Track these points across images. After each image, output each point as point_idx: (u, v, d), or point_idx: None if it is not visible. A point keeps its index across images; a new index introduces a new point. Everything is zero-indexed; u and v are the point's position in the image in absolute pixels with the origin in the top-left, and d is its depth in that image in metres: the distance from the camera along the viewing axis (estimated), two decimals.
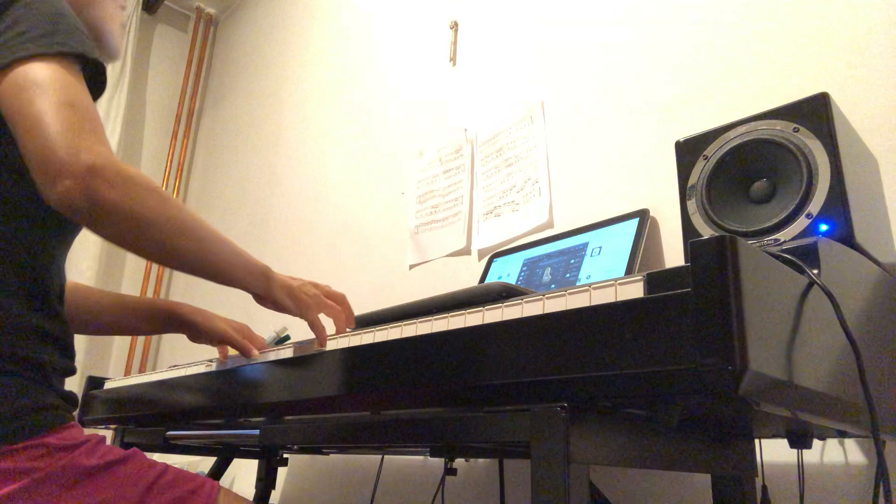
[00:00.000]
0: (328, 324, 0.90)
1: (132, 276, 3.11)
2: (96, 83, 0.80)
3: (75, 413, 0.82)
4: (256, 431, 0.98)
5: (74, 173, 0.67)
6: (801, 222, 0.78)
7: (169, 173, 3.25)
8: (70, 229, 0.88)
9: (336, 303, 0.92)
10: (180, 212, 0.75)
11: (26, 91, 0.70)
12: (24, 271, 0.79)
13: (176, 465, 0.83)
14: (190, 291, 2.96)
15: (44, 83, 0.71)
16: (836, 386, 0.60)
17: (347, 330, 0.87)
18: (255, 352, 0.95)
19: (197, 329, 1.07)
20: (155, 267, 3.13)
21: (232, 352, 1.05)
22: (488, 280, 1.40)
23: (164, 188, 0.75)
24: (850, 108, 1.01)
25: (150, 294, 3.10)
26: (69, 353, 0.84)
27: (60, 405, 0.77)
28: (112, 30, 0.97)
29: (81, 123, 0.70)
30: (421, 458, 1.63)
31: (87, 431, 0.79)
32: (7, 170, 0.78)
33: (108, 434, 1.35)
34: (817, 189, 0.78)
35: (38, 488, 0.69)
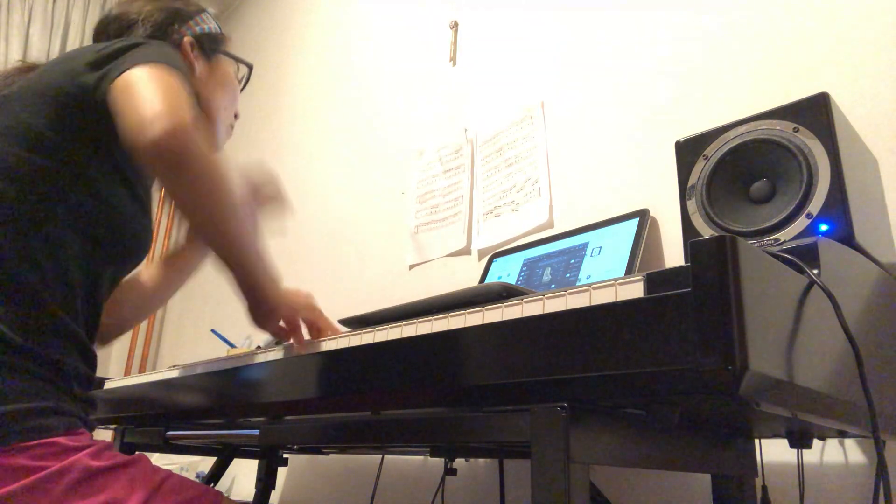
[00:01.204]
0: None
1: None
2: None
3: (93, 418, 0.84)
4: (256, 431, 0.98)
5: (171, 122, 0.73)
6: (801, 222, 0.78)
7: None
8: (126, 258, 0.94)
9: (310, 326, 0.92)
10: (240, 202, 0.81)
11: (132, 81, 0.78)
12: (73, 281, 0.83)
13: (176, 465, 0.83)
14: (186, 314, 2.96)
15: (146, 74, 0.79)
16: (836, 386, 0.60)
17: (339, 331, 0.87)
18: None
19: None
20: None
21: (235, 351, 1.06)
22: (488, 280, 1.40)
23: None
24: (850, 108, 1.01)
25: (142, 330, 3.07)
26: (93, 364, 0.87)
27: (75, 411, 0.79)
28: (221, 123, 1.09)
29: (179, 96, 0.77)
30: (421, 458, 1.63)
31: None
32: (84, 186, 0.84)
33: (108, 434, 1.35)
34: (817, 189, 0.78)
35: (45, 486, 0.70)
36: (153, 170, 0.77)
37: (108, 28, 1.03)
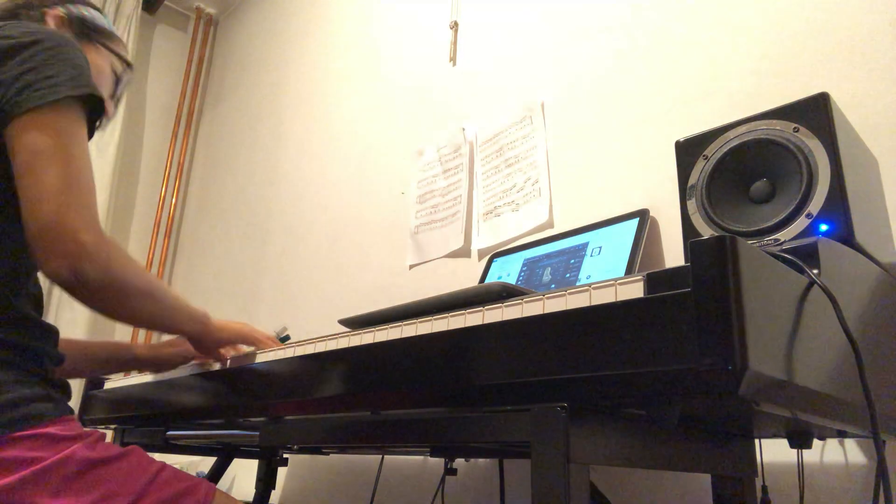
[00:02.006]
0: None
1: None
2: (95, 117, 0.87)
3: (70, 405, 0.85)
4: (256, 431, 0.98)
5: (65, 254, 0.74)
6: (801, 222, 0.78)
7: (169, 173, 3.25)
8: None
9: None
10: (150, 282, 0.85)
11: (36, 155, 0.76)
12: (20, 272, 0.84)
13: (176, 465, 0.83)
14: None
15: (51, 147, 0.77)
16: (836, 386, 0.60)
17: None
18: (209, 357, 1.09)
19: (154, 364, 1.16)
20: None
21: (240, 350, 1.08)
22: (488, 280, 1.40)
23: (131, 255, 0.85)
24: (850, 108, 1.01)
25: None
26: (57, 342, 0.88)
27: (58, 397, 0.80)
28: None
29: (78, 201, 0.76)
30: (421, 458, 1.63)
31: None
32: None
33: (108, 434, 1.35)
34: (817, 189, 0.78)
35: (39, 478, 0.70)
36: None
37: None
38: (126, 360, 1.15)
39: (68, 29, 1.00)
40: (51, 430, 0.74)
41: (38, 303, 0.89)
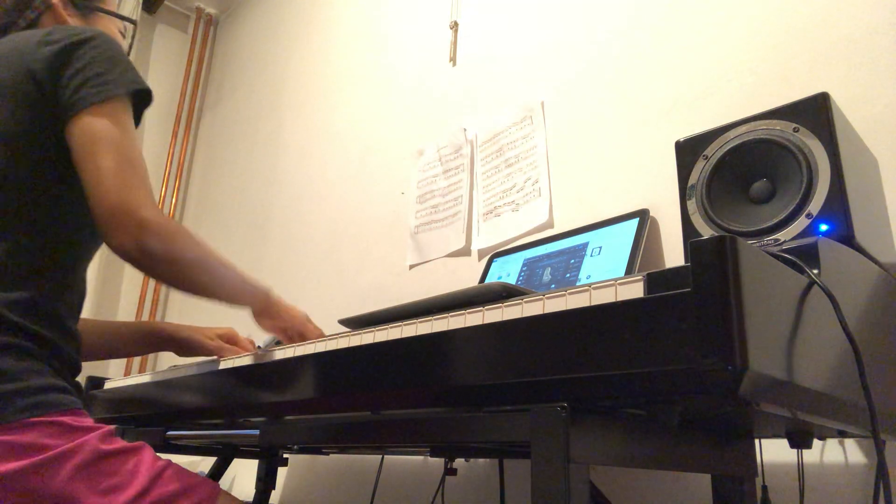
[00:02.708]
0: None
1: (128, 295, 3.12)
2: (143, 104, 0.95)
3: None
4: (256, 431, 0.98)
5: (129, 230, 0.81)
6: (801, 222, 0.78)
7: (169, 173, 3.25)
8: (95, 240, 0.98)
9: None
10: (207, 255, 0.90)
11: (96, 144, 0.84)
12: (62, 268, 0.89)
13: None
14: (186, 310, 2.96)
15: (110, 138, 0.85)
16: (836, 386, 0.60)
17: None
18: (225, 352, 1.12)
19: (180, 345, 1.19)
20: (150, 290, 3.14)
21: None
22: (488, 280, 1.40)
23: (191, 230, 0.91)
24: (850, 108, 1.01)
25: (146, 312, 3.12)
26: (80, 351, 0.91)
27: (74, 393, 0.83)
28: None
29: (135, 181, 0.84)
30: (421, 458, 1.63)
31: None
32: (69, 179, 0.89)
33: None
34: (817, 189, 0.78)
35: (51, 464, 0.72)
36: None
37: None
38: (155, 339, 1.20)
39: (72, 9, 1.04)
40: (66, 419, 0.76)
41: (75, 308, 0.92)
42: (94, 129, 0.85)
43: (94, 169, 0.83)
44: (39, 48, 0.88)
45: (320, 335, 1.07)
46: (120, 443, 0.79)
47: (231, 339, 1.23)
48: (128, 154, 0.85)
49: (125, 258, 0.82)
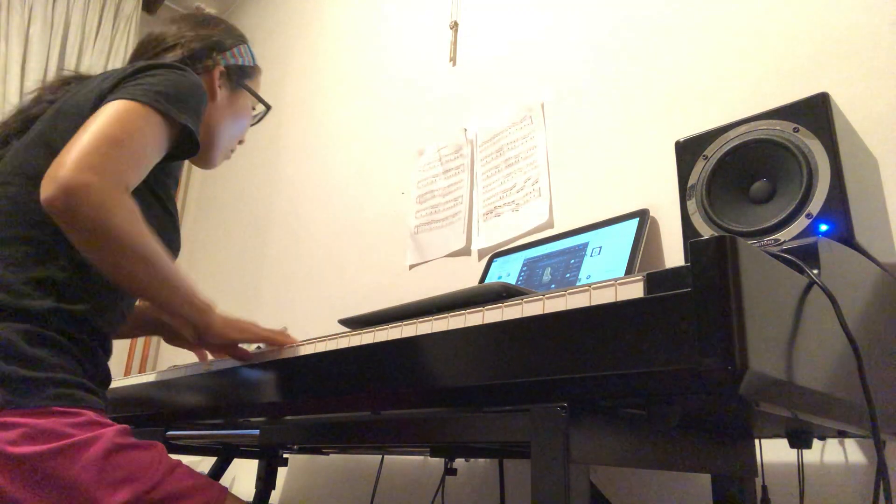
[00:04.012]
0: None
1: None
2: (184, 148, 0.92)
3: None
4: (256, 431, 0.98)
5: (67, 185, 0.75)
6: (801, 222, 0.78)
7: None
8: None
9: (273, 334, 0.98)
10: (151, 249, 0.83)
11: (98, 116, 0.82)
12: (108, 288, 0.90)
13: None
14: None
15: (113, 115, 0.82)
16: (836, 386, 0.60)
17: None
18: (205, 357, 1.11)
19: (170, 330, 1.18)
20: None
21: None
22: (488, 280, 1.40)
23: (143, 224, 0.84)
24: (850, 108, 1.01)
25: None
26: (108, 368, 0.93)
27: (101, 398, 0.85)
28: (221, 148, 1.14)
29: (112, 154, 0.79)
30: (421, 458, 1.63)
31: None
32: None
33: None
34: (817, 189, 0.78)
35: (68, 452, 0.74)
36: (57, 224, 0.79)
37: (146, 51, 1.08)
38: (147, 321, 1.19)
39: (226, 80, 1.11)
40: (89, 413, 0.78)
41: (115, 328, 0.94)
42: (112, 106, 0.83)
43: (81, 131, 0.80)
44: (121, 72, 0.90)
45: (283, 334, 0.98)
46: (135, 440, 0.81)
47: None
48: (123, 134, 0.81)
49: (52, 213, 0.76)
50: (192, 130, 0.90)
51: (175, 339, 1.20)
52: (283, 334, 0.96)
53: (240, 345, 0.98)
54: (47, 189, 0.75)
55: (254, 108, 1.20)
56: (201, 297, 0.92)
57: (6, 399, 0.74)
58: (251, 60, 1.17)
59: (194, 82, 0.93)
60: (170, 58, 1.05)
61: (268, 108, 1.21)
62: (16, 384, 0.75)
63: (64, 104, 0.93)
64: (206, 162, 1.15)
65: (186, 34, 1.08)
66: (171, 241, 1.00)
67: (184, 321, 0.92)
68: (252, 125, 1.21)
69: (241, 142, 1.20)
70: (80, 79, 1.02)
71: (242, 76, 1.14)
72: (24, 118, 0.98)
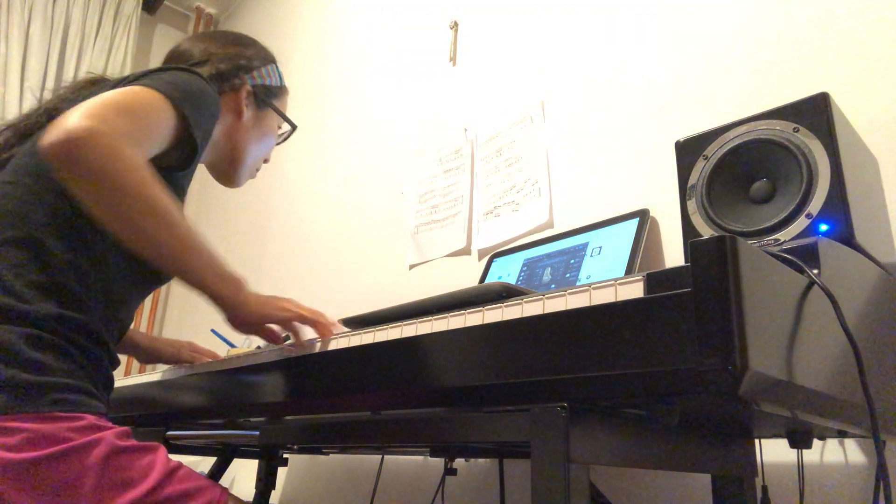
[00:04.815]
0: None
1: None
2: (187, 146, 0.88)
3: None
4: (256, 431, 0.98)
5: (70, 129, 0.72)
6: (801, 222, 0.78)
7: None
8: (158, 280, 0.99)
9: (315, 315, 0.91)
10: (170, 207, 0.77)
11: (113, 91, 0.80)
12: (110, 298, 0.89)
13: None
14: (186, 314, 2.96)
15: (129, 90, 0.81)
16: (836, 386, 0.60)
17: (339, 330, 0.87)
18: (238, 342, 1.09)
19: (140, 352, 1.19)
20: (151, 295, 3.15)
21: (236, 351, 1.08)
22: (488, 280, 1.40)
23: (158, 179, 0.79)
24: (850, 108, 1.01)
25: (146, 310, 3.12)
26: (112, 376, 0.93)
27: (104, 403, 0.85)
28: (246, 167, 1.15)
29: (120, 115, 0.76)
30: (421, 458, 1.63)
31: None
32: None
33: None
34: (817, 189, 0.78)
35: (68, 455, 0.74)
36: (55, 175, 0.76)
37: (174, 61, 1.07)
38: (126, 346, 1.18)
39: (253, 100, 1.10)
40: (89, 417, 0.78)
41: (117, 336, 0.94)
42: (125, 89, 0.81)
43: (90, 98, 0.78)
44: (136, 75, 0.89)
45: (322, 316, 0.88)
46: (135, 441, 0.81)
47: (193, 349, 1.24)
48: (135, 104, 0.79)
49: (48, 157, 0.72)
50: (191, 124, 0.86)
51: (146, 357, 1.20)
52: (324, 317, 0.87)
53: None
54: (49, 136, 0.72)
55: (279, 127, 1.20)
56: (230, 269, 0.83)
57: (7, 404, 0.73)
58: (279, 81, 1.17)
59: (205, 88, 0.92)
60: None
61: (294, 127, 1.21)
62: (16, 389, 0.74)
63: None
64: (231, 181, 1.16)
65: (215, 52, 1.07)
66: None
67: (212, 296, 0.82)
68: (277, 144, 1.22)
69: (266, 160, 1.20)
70: (104, 81, 1.01)
71: (269, 96, 1.14)
72: (48, 116, 0.96)
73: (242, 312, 0.84)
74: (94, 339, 0.85)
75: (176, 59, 1.08)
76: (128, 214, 0.75)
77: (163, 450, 0.83)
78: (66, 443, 0.74)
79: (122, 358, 3.03)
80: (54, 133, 0.72)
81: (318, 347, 0.80)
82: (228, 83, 1.07)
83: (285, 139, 1.23)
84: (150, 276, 0.97)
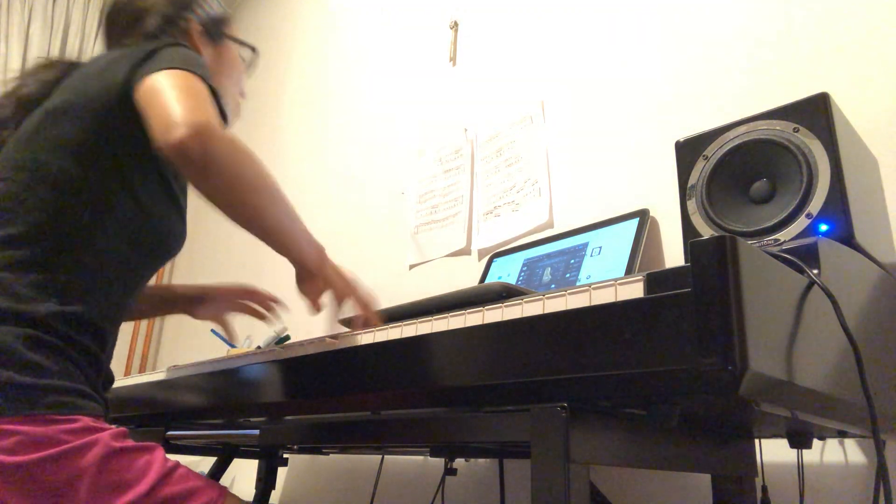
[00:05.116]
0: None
1: None
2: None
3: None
4: (256, 431, 0.98)
5: (193, 124, 0.76)
6: (801, 222, 0.78)
7: None
8: (162, 261, 0.98)
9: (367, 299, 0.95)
10: (272, 180, 0.84)
11: (157, 82, 0.82)
12: (113, 288, 0.88)
13: None
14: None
15: (171, 77, 0.82)
16: (836, 386, 0.60)
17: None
18: (238, 342, 1.08)
19: (192, 305, 1.18)
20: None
21: (236, 351, 1.07)
22: (488, 280, 1.40)
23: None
24: (850, 108, 1.01)
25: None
26: (109, 369, 0.92)
27: (101, 402, 0.84)
28: (228, 107, 1.08)
29: (200, 98, 0.80)
30: (421, 458, 1.63)
31: None
32: (129, 196, 0.89)
33: None
34: (817, 189, 0.78)
35: (63, 458, 0.73)
36: (183, 172, 0.79)
37: (117, 18, 1.05)
38: (169, 300, 1.19)
39: (206, 37, 1.08)
40: (85, 420, 0.77)
41: (118, 326, 0.93)
42: (159, 78, 0.82)
43: (155, 94, 0.80)
44: (128, 59, 0.89)
45: (368, 305, 0.92)
46: (132, 442, 0.80)
47: (250, 295, 1.22)
48: (195, 87, 0.81)
49: (183, 160, 0.76)
50: (217, 92, 0.88)
51: (199, 310, 1.19)
52: (371, 308, 0.91)
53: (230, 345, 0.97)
54: (174, 134, 0.75)
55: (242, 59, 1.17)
56: (315, 239, 0.91)
57: (1, 407, 0.72)
58: (220, 6, 1.13)
59: (202, 58, 0.92)
60: (146, 27, 1.02)
61: (254, 50, 1.19)
62: (12, 391, 0.73)
63: (71, 95, 0.91)
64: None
65: None
66: (178, 233, 0.99)
67: (299, 261, 0.88)
68: (246, 74, 1.19)
69: (242, 96, 1.18)
70: (62, 63, 1.00)
71: (220, 27, 1.11)
72: (17, 103, 0.96)
73: (323, 269, 0.89)
74: (95, 333, 0.84)
75: (121, 15, 1.05)
76: (253, 199, 0.81)
77: (160, 450, 0.82)
78: (61, 445, 0.73)
79: (122, 359, 3.03)
80: (180, 131, 0.75)
81: (318, 347, 0.80)
82: (177, 27, 1.04)
83: (251, 66, 1.20)
84: (156, 258, 0.96)
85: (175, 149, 0.75)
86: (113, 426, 0.81)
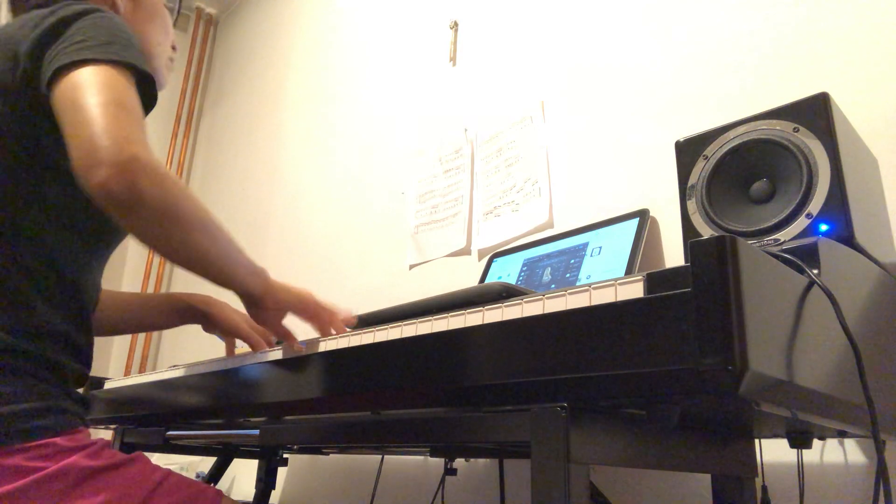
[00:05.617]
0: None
1: (132, 275, 3.12)
2: (147, 97, 0.82)
3: (89, 417, 0.84)
4: (256, 431, 0.98)
5: (118, 162, 0.68)
6: (801, 222, 0.78)
7: None
8: (110, 242, 0.92)
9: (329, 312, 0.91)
10: (207, 213, 0.77)
11: (78, 90, 0.73)
12: (62, 279, 0.82)
13: (176, 465, 0.83)
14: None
15: (95, 83, 0.73)
16: (836, 386, 0.60)
17: (347, 329, 0.87)
18: (264, 345, 0.97)
19: (208, 319, 1.09)
20: (154, 267, 3.14)
21: (240, 349, 1.07)
22: (488, 280, 1.40)
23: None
24: (850, 108, 1.01)
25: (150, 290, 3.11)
26: (88, 361, 0.87)
27: (74, 409, 0.79)
28: (157, 59, 1.02)
29: (129, 120, 0.72)
30: (421, 458, 1.63)
31: (93, 436, 0.80)
32: (56, 178, 0.81)
33: (108, 434, 1.35)
34: (817, 189, 0.78)
35: (39, 487, 0.69)
36: (108, 212, 0.72)
37: None
38: (182, 310, 1.12)
39: None
40: (57, 440, 0.73)
41: (83, 318, 0.86)
42: (80, 78, 0.73)
43: (80, 108, 0.71)
44: (31, 31, 0.79)
45: (332, 313, 0.91)
46: (113, 457, 0.76)
47: (258, 331, 1.12)
48: (122, 99, 0.73)
49: (106, 199, 0.68)
50: (150, 75, 0.81)
51: (212, 327, 1.10)
52: (336, 318, 0.87)
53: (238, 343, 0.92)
54: (97, 174, 0.67)
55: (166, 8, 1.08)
56: (254, 262, 0.85)
57: None
58: None
59: (120, 23, 0.83)
60: None
61: None
62: None
63: None
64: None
65: None
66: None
67: (240, 290, 0.83)
68: (174, 23, 1.09)
69: (174, 48, 1.07)
70: None
71: None
72: None
73: (268, 297, 0.85)
74: (52, 338, 0.79)
75: None
76: (189, 237, 0.74)
77: (143, 461, 0.78)
78: (33, 474, 0.69)
79: (122, 359, 3.03)
80: (104, 171, 0.68)
81: (319, 348, 0.80)
82: None
83: (178, 12, 1.11)
84: (101, 241, 0.89)
85: (98, 189, 0.68)
86: (89, 439, 0.76)
